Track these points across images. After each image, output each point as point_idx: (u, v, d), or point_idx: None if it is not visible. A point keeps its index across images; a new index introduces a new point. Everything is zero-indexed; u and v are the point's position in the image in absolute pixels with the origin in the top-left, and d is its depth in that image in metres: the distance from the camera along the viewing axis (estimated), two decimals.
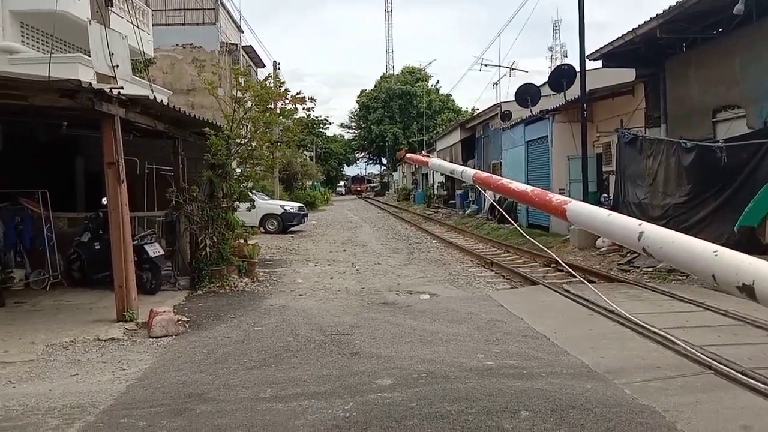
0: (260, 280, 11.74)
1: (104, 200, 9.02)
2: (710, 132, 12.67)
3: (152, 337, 7.38)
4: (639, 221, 2.34)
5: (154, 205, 12.05)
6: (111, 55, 8.33)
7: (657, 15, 12.08)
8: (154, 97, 8.83)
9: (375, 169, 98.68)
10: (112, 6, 9.64)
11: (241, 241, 12.41)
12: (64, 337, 7.28)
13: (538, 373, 5.69)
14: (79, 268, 10.85)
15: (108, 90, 7.68)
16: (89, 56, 8.96)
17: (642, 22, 12.67)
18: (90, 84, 7.48)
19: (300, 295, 10.48)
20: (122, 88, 8.03)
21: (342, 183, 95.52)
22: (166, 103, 9.38)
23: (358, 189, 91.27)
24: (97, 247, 10.46)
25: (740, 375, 5.25)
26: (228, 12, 33.06)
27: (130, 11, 14.21)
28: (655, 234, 2.17)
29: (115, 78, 8.25)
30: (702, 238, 2.13)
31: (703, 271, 1.94)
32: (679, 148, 12.08)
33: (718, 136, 12.22)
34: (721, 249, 1.89)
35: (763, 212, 10.02)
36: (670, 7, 11.66)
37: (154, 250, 10.22)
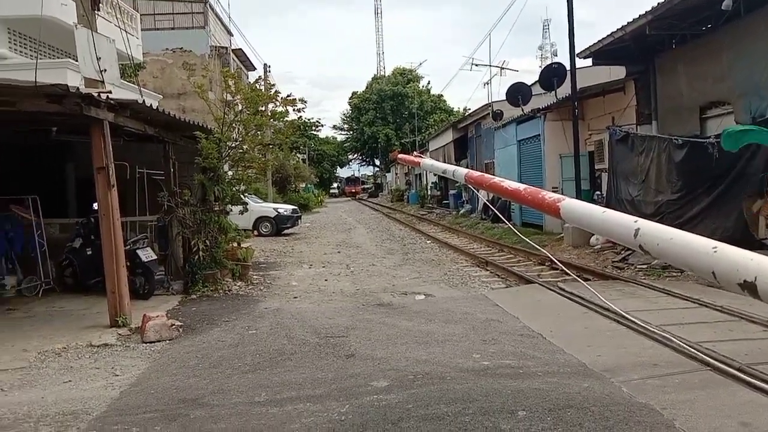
0: (254, 283, 11.68)
1: (95, 205, 8.95)
2: (698, 128, 12.71)
3: (146, 342, 7.32)
4: (635, 218, 2.30)
5: (146, 210, 11.96)
6: (98, 59, 8.26)
7: (646, 12, 12.09)
8: (143, 101, 8.77)
9: (368, 171, 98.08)
10: (98, 10, 9.56)
11: (235, 244, 12.35)
12: (56, 344, 7.21)
13: (534, 372, 5.66)
14: (71, 274, 10.77)
15: (96, 94, 7.62)
16: (77, 61, 8.89)
17: (631, 19, 12.68)
18: (78, 89, 7.41)
19: (294, 297, 10.43)
20: (110, 92, 7.96)
21: (335, 185, 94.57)
22: (155, 107, 9.32)
23: (353, 191, 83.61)
24: (89, 253, 10.37)
25: (737, 371, 5.24)
26: (217, 15, 33.00)
27: (118, 15, 14.12)
28: (651, 231, 2.13)
29: (103, 82, 8.18)
30: (695, 233, 2.10)
31: (703, 268, 1.90)
32: (671, 144, 12.09)
33: (707, 132, 12.25)
34: (721, 245, 1.86)
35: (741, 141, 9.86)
36: (659, 3, 11.67)
37: (147, 254, 10.15)
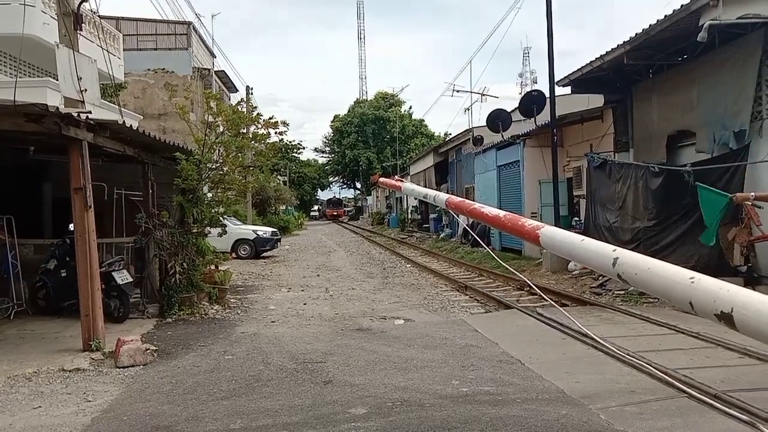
0: (231, 307, 11.55)
1: (71, 226, 8.82)
2: (664, 157, 12.99)
3: (119, 367, 7.17)
4: (613, 247, 2.32)
5: (123, 231, 11.81)
6: (79, 79, 8.20)
7: (624, 42, 12.34)
8: (124, 121, 8.70)
9: (349, 194, 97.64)
10: (80, 30, 9.52)
11: (212, 267, 12.22)
12: (27, 368, 7.04)
13: (513, 399, 5.64)
14: (44, 296, 10.56)
15: (75, 114, 7.55)
16: (58, 80, 8.82)
17: (609, 49, 12.93)
18: (57, 108, 7.34)
19: (272, 322, 10.32)
20: (90, 112, 7.90)
21: (316, 207, 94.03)
22: (135, 128, 9.25)
23: (335, 214, 79.91)
24: (63, 275, 10.19)
25: (714, 398, 5.27)
26: (201, 37, 33.06)
27: (100, 35, 14.09)
28: (630, 260, 2.15)
29: (83, 102, 8.11)
30: (671, 261, 2.11)
31: (680, 299, 1.92)
32: (648, 172, 12.27)
33: (679, 161, 12.50)
34: (698, 276, 1.88)
35: (712, 231, 10.23)
36: (636, 34, 11.92)
37: (122, 277, 10.00)
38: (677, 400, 5.44)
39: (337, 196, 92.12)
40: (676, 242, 11.55)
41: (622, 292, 11.41)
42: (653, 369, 6.05)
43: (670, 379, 5.78)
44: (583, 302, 11.22)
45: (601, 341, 6.73)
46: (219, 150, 12.29)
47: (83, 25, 9.90)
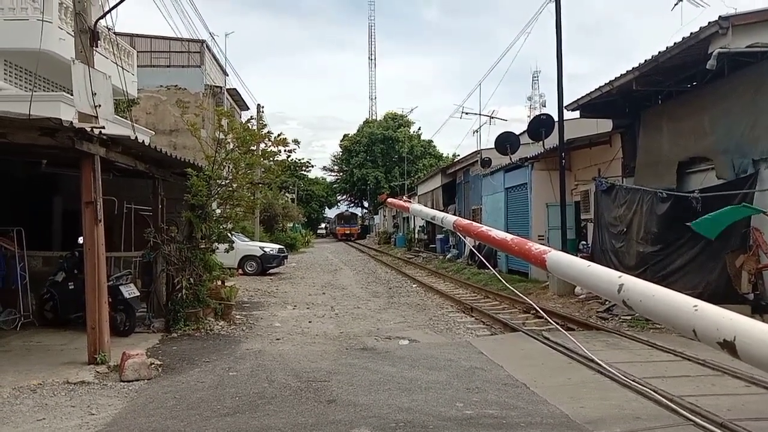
0: (237, 324, 11.56)
1: (81, 239, 8.88)
2: (674, 183, 12.94)
3: (124, 381, 7.19)
4: (619, 273, 2.34)
5: (132, 245, 11.88)
6: (94, 94, 8.33)
7: (633, 68, 12.40)
8: (136, 137, 8.80)
9: (356, 212, 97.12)
10: (96, 46, 9.67)
11: (219, 282, 12.26)
12: (32, 380, 7.06)
13: (517, 423, 5.61)
14: (51, 308, 10.60)
15: (89, 129, 7.64)
16: (72, 95, 8.96)
17: (618, 75, 12.99)
18: (71, 123, 7.44)
19: (277, 339, 10.32)
20: (103, 127, 8.00)
21: (323, 225, 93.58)
22: (147, 144, 9.35)
23: (347, 232, 70.45)
24: (71, 287, 10.24)
25: (720, 427, 5.22)
26: (213, 55, 33.45)
27: (115, 52, 14.30)
28: (635, 287, 2.16)
29: (96, 117, 8.23)
30: (679, 287, 2.14)
31: (684, 326, 1.94)
32: (655, 197, 12.26)
33: (689, 187, 12.47)
34: (701, 304, 1.89)
35: (720, 227, 10.07)
36: (646, 60, 11.98)
37: (129, 291, 10.04)
38: (683, 428, 5.39)
39: (350, 210, 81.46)
40: (684, 268, 11.49)
41: (629, 317, 11.35)
42: (659, 396, 6.01)
43: (675, 407, 5.73)
44: (589, 327, 11.16)
45: (607, 367, 6.69)
46: (229, 166, 12.40)
47: (99, 41, 10.06)
